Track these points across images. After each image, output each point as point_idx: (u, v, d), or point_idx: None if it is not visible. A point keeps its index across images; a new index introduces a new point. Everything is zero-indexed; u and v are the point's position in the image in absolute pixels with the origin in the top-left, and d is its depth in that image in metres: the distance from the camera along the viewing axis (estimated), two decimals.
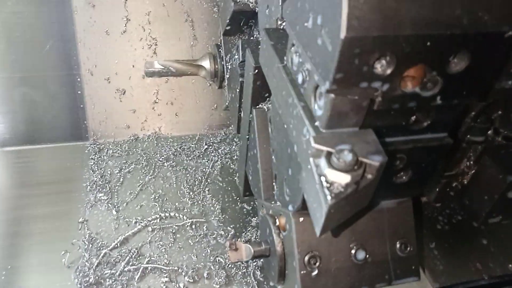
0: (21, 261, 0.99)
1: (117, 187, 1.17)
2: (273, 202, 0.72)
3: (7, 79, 1.23)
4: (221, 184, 1.22)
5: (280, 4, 0.65)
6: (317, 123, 0.47)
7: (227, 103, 1.08)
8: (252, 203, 1.17)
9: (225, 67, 1.06)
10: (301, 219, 0.58)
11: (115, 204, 1.12)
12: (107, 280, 0.94)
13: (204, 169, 1.25)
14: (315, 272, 0.58)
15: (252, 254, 0.67)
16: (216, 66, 1.09)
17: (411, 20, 0.39)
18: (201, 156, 1.30)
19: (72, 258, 0.98)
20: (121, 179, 1.19)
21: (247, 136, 0.83)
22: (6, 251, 1.01)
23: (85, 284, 0.93)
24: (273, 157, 0.71)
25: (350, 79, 0.42)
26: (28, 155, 1.25)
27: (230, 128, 1.42)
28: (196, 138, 1.37)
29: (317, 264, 0.58)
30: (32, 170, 1.22)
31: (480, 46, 0.42)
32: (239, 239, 1.06)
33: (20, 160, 1.24)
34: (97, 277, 0.94)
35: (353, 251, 0.59)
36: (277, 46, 0.61)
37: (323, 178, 0.40)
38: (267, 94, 0.76)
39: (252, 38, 0.96)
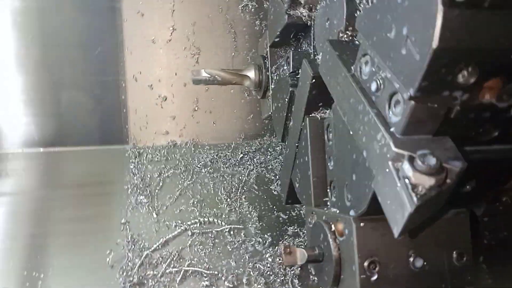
0: (66, 260, 1.02)
1: (157, 190, 1.20)
2: (325, 208, 0.73)
3: (55, 83, 1.28)
4: (257, 193, 1.24)
5: (344, 17, 0.68)
6: (392, 129, 0.49)
7: (270, 113, 1.11)
8: (288, 212, 1.19)
9: (270, 77, 1.09)
10: (362, 224, 0.60)
11: (156, 207, 1.15)
12: (150, 280, 0.96)
13: (240, 177, 1.28)
14: (374, 277, 0.59)
15: (306, 258, 0.68)
16: (261, 77, 1.12)
17: (497, 35, 0.41)
18: (237, 164, 1.33)
19: (116, 258, 1.00)
20: (161, 183, 1.22)
21: (296, 144, 0.85)
22: (49, 249, 1.04)
23: (129, 284, 0.95)
24: (329, 164, 0.72)
25: (434, 88, 0.44)
26: (69, 157, 1.29)
27: (265, 138, 1.44)
28: (232, 146, 1.39)
29: (376, 269, 0.59)
30: (73, 172, 1.25)
31: None
32: (276, 247, 1.07)
33: (62, 162, 1.28)
34: (140, 277, 0.96)
35: (411, 259, 0.60)
36: (342, 56, 0.64)
37: (407, 181, 0.42)
38: (320, 104, 0.79)
39: (300, 49, 0.99)
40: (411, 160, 0.43)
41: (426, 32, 0.41)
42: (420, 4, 0.42)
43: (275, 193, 1.25)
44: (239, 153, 1.37)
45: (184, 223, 1.10)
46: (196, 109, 1.38)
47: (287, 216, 1.17)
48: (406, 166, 0.43)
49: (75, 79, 1.29)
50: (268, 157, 1.37)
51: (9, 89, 1.24)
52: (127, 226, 1.09)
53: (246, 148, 1.40)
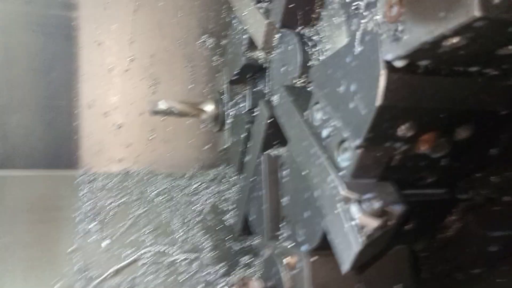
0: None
1: (108, 218, 1.18)
2: (278, 242, 0.77)
3: (7, 106, 1.24)
4: (211, 223, 1.26)
5: (298, 65, 0.74)
6: (341, 173, 0.54)
7: (225, 146, 1.14)
8: (240, 243, 1.21)
9: (226, 112, 1.13)
10: (313, 259, 0.64)
11: (106, 235, 1.13)
12: None
13: (194, 207, 1.29)
14: None
15: None
16: (218, 111, 1.16)
17: (431, 96, 0.48)
18: (191, 194, 1.34)
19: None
20: (113, 211, 1.21)
21: (251, 179, 0.89)
22: None
23: None
24: (282, 200, 0.77)
25: (378, 139, 0.50)
26: (16, 180, 1.25)
27: (220, 168, 1.47)
28: (187, 175, 1.41)
29: None
30: (19, 196, 1.21)
31: (480, 120, 0.52)
32: (229, 278, 1.09)
33: (8, 185, 1.23)
34: None
35: None
36: (297, 101, 0.70)
37: (354, 222, 0.47)
38: (276, 142, 0.83)
39: (256, 88, 1.04)
40: (358, 203, 0.48)
41: (371, 91, 0.47)
42: (366, 66, 0.48)
43: (229, 223, 1.27)
44: (194, 183, 1.38)
45: (136, 252, 1.09)
46: (151, 138, 1.39)
47: (239, 248, 1.19)
48: (353, 209, 0.48)
49: (26, 102, 1.26)
50: (223, 187, 1.39)
51: None
52: (76, 255, 1.06)
53: (201, 177, 1.42)
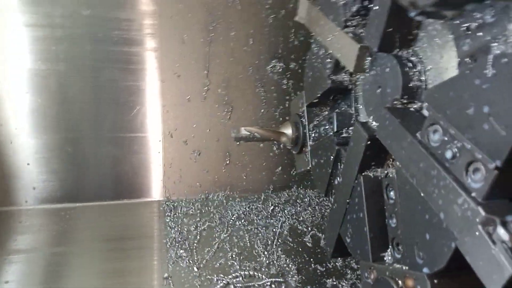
0: None
1: (195, 244, 1.22)
2: (387, 264, 0.77)
3: (95, 139, 1.32)
4: (292, 245, 1.27)
5: (400, 87, 0.75)
6: (473, 194, 0.54)
7: (307, 168, 1.16)
8: (324, 264, 1.21)
9: (307, 134, 1.15)
10: (436, 281, 0.64)
11: (196, 261, 1.16)
12: None
13: (274, 229, 1.31)
14: None
15: None
16: (298, 134, 1.18)
17: None
18: (269, 216, 1.36)
19: None
20: (198, 237, 1.24)
21: (347, 201, 0.90)
22: None
23: None
24: (391, 221, 0.77)
25: None
26: (107, 211, 1.32)
27: (293, 189, 1.49)
28: (262, 198, 1.44)
29: None
30: (111, 225, 1.28)
31: None
32: None
33: (101, 216, 1.30)
34: None
35: None
36: (403, 123, 0.70)
37: (505, 245, 0.47)
38: (373, 163, 0.84)
39: (340, 110, 1.06)
40: (504, 224, 0.48)
41: (508, 112, 0.47)
42: (503, 89, 0.48)
43: (309, 245, 1.28)
44: (270, 205, 1.41)
45: (226, 277, 1.12)
46: (227, 162, 1.43)
47: (324, 269, 1.19)
48: (501, 231, 0.48)
49: (112, 134, 1.34)
50: (298, 208, 1.41)
51: (26, 146, 1.29)
52: (170, 281, 1.10)
53: (276, 199, 1.44)
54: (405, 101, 0.75)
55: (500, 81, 0.49)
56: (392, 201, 0.77)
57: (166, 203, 1.35)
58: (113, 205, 1.36)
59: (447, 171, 0.59)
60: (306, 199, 1.47)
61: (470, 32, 0.61)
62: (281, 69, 1.44)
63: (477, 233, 0.51)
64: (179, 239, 1.23)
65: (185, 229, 1.27)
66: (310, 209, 1.42)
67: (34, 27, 1.26)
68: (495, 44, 0.51)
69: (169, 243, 1.21)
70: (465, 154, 0.56)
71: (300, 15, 1.14)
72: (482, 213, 0.51)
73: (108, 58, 1.31)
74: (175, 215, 1.32)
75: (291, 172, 1.49)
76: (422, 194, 0.64)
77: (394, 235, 0.76)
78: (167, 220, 1.30)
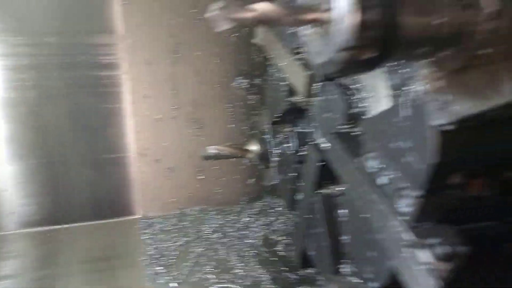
0: None
1: (173, 260, 1.27)
2: (344, 276, 0.83)
3: (70, 162, 1.36)
4: (266, 255, 1.33)
5: (342, 114, 0.81)
6: (404, 218, 0.61)
7: (273, 182, 1.22)
8: (298, 272, 1.27)
9: (272, 150, 1.20)
10: None
11: (175, 277, 1.21)
12: None
13: (248, 240, 1.36)
14: None
15: None
16: (263, 150, 1.24)
17: (480, 148, 0.54)
18: (243, 227, 1.42)
19: None
20: (175, 252, 1.29)
21: (308, 216, 0.96)
22: None
23: None
24: (344, 237, 0.83)
25: (434, 189, 0.56)
26: (87, 232, 1.36)
27: (266, 199, 1.55)
28: (236, 210, 1.49)
29: None
30: (91, 246, 1.32)
31: None
32: None
33: (81, 237, 1.34)
34: None
35: None
36: (347, 148, 0.77)
37: (426, 266, 0.53)
38: (327, 181, 0.90)
39: (299, 128, 1.11)
40: (429, 247, 0.54)
41: (423, 150, 0.54)
42: (415, 128, 0.55)
43: (283, 253, 1.34)
44: (245, 216, 1.47)
45: None
46: (201, 177, 1.48)
47: (298, 277, 1.25)
48: (423, 254, 0.54)
49: (85, 158, 1.38)
50: (271, 218, 1.47)
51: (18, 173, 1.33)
52: None
53: (250, 211, 1.50)
54: (349, 126, 0.81)
55: (413, 121, 0.55)
56: (343, 219, 0.83)
57: (143, 220, 1.40)
58: (92, 226, 1.40)
59: (382, 196, 0.65)
60: (279, 209, 1.53)
61: (397, 68, 0.67)
62: (247, 85, 1.49)
63: (405, 254, 0.57)
64: (157, 255, 1.28)
65: (163, 245, 1.32)
66: (282, 218, 1.48)
67: (1, 57, 1.29)
68: (413, 84, 0.57)
69: (147, 260, 1.26)
70: (396, 181, 0.62)
71: (259, 37, 1.20)
72: (409, 236, 0.57)
73: (76, 83, 1.35)
74: (152, 232, 1.36)
75: (264, 183, 1.55)
76: (363, 216, 0.71)
77: (348, 250, 0.82)
78: (144, 237, 1.34)
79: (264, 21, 0.40)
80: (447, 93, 0.49)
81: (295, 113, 1.10)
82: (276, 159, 1.19)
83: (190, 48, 1.42)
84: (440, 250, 0.53)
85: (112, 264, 1.27)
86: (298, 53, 0.96)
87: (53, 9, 1.32)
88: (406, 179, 0.59)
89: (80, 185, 1.39)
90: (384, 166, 0.65)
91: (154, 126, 1.42)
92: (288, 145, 1.12)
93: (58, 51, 1.31)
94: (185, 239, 1.35)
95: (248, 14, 0.39)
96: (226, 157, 1.25)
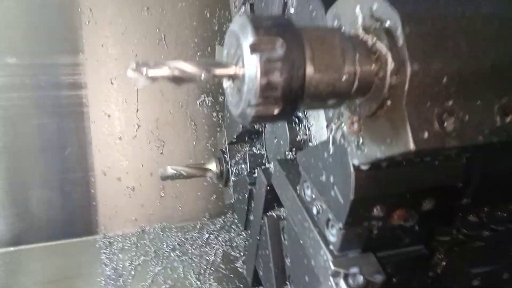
0: None
1: (129, 280, 1.28)
2: None
3: (24, 183, 1.36)
4: (224, 272, 1.35)
5: (288, 141, 0.85)
6: (331, 247, 0.64)
7: (232, 201, 1.25)
8: None
9: (230, 169, 1.23)
10: None
11: None
12: None
13: (207, 257, 1.38)
14: None
15: None
16: (222, 169, 1.26)
17: (396, 183, 0.58)
18: (203, 244, 1.44)
19: None
20: (133, 272, 1.30)
21: (257, 237, 0.99)
22: None
23: None
24: (286, 260, 0.86)
25: (356, 221, 0.60)
26: (47, 252, 1.35)
27: (228, 215, 1.58)
28: (198, 226, 1.51)
29: None
30: (50, 267, 1.31)
31: (441, 193, 0.62)
32: None
33: (35, 258, 1.33)
34: None
35: None
36: (289, 176, 0.80)
37: None
38: (276, 204, 0.94)
39: (254, 150, 1.15)
40: (345, 277, 0.58)
41: (345, 185, 0.57)
42: (339, 164, 0.59)
43: (241, 270, 1.37)
44: (205, 233, 1.48)
45: None
46: (162, 195, 1.50)
47: None
48: (342, 284, 0.57)
49: (44, 178, 1.37)
50: (232, 234, 1.49)
51: None
52: None
53: (211, 227, 1.52)
54: (293, 154, 0.85)
55: (338, 157, 0.59)
56: (286, 243, 0.86)
57: (102, 240, 1.40)
58: (52, 246, 1.39)
59: (315, 225, 0.69)
60: (240, 224, 1.55)
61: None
62: (210, 103, 1.52)
63: (329, 283, 0.61)
64: (113, 276, 1.28)
65: (120, 265, 1.32)
66: (243, 234, 1.51)
67: None
68: (335, 126, 0.61)
69: (103, 281, 1.26)
70: (325, 212, 0.66)
71: (217, 58, 1.23)
72: (332, 266, 0.61)
73: (36, 104, 1.35)
74: (110, 252, 1.37)
75: (224, 201, 1.57)
76: (301, 241, 0.74)
77: (289, 272, 0.85)
78: (102, 257, 1.34)
79: (180, 78, 0.42)
80: (360, 136, 0.53)
81: (252, 134, 1.13)
82: (234, 178, 1.22)
83: None
84: (356, 279, 0.57)
85: (71, 285, 1.27)
86: None
87: (14, 29, 1.32)
88: (331, 211, 0.63)
89: (40, 205, 1.38)
90: (315, 196, 0.69)
91: (114, 145, 1.43)
92: (242, 166, 1.16)
93: (17, 72, 1.31)
94: (143, 258, 1.36)
95: (164, 72, 0.42)
96: (185, 177, 1.27)
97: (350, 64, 0.45)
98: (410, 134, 0.44)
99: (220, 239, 1.47)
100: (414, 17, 0.45)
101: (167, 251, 1.39)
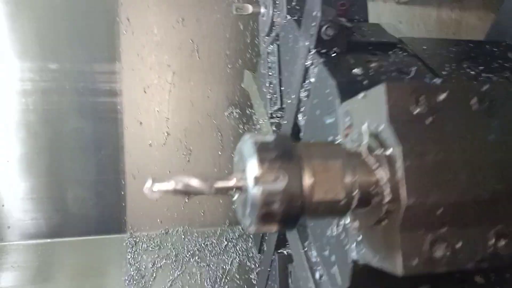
0: None
1: (150, 282, 1.38)
2: None
3: (62, 181, 1.46)
4: (238, 282, 1.42)
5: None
6: None
7: None
8: None
9: None
10: None
11: None
12: None
13: (224, 266, 1.46)
14: None
15: None
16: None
17: (392, 278, 0.61)
18: (221, 252, 1.51)
19: None
20: (154, 274, 1.40)
21: (268, 269, 1.04)
22: None
23: None
24: None
25: None
26: (72, 247, 1.47)
27: None
28: (218, 233, 1.58)
29: None
30: (75, 261, 1.43)
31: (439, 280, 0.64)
32: None
33: (66, 252, 1.45)
34: None
35: None
36: (299, 228, 0.84)
37: None
38: (288, 243, 0.98)
39: None
40: None
41: (344, 271, 0.61)
42: (341, 249, 0.62)
43: (254, 282, 1.44)
44: (224, 240, 1.56)
45: None
46: (186, 201, 1.57)
47: None
48: None
49: (80, 177, 1.47)
50: (250, 243, 1.56)
51: (18, 190, 1.43)
52: None
53: (230, 234, 1.59)
54: None
55: (340, 242, 0.62)
56: (293, 286, 0.91)
57: (129, 239, 1.50)
58: (84, 241, 1.50)
59: (317, 286, 0.73)
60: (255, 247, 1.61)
61: None
62: (237, 115, 1.56)
63: None
64: (137, 276, 1.38)
65: (143, 266, 1.42)
66: None
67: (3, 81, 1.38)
68: (337, 223, 0.64)
69: (127, 281, 1.37)
70: (326, 282, 0.70)
71: (245, 83, 1.26)
72: None
73: (73, 108, 1.43)
74: (135, 252, 1.47)
75: None
76: None
77: None
78: (128, 256, 1.45)
79: (185, 192, 0.47)
80: (360, 235, 0.56)
81: None
82: None
83: (185, 78, 1.49)
84: None
85: (97, 282, 1.38)
86: (274, 117, 1.02)
87: (56, 36, 1.39)
88: (331, 286, 0.66)
89: (75, 203, 1.49)
90: (319, 261, 0.72)
91: (144, 151, 1.50)
92: None
93: (58, 77, 1.39)
94: (165, 261, 1.45)
95: (170, 187, 0.46)
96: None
97: (350, 189, 0.48)
98: (401, 260, 0.47)
99: (238, 248, 1.53)
100: (416, 150, 0.47)
101: (187, 256, 1.47)
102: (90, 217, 1.49)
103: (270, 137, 0.48)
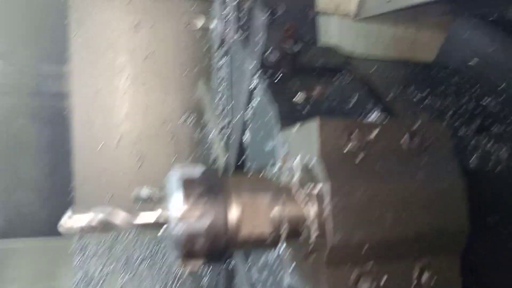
0: None
1: (98, 286, 1.34)
2: None
3: (10, 183, 1.40)
4: (191, 285, 1.41)
5: None
6: None
7: None
8: None
9: None
10: None
11: None
12: None
13: (175, 271, 1.44)
14: None
15: None
16: None
17: None
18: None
19: None
20: (103, 278, 1.37)
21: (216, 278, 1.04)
22: None
23: None
24: None
25: None
26: (21, 248, 1.42)
27: None
28: None
29: None
30: (24, 263, 1.38)
31: None
32: None
33: (14, 253, 1.40)
34: None
35: None
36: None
37: None
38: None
39: None
40: None
41: None
42: (277, 274, 0.62)
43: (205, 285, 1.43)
44: None
45: None
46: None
47: None
48: None
49: (29, 179, 1.42)
50: None
51: None
52: None
53: None
54: None
55: (276, 267, 0.62)
56: None
57: (77, 242, 1.46)
58: (34, 242, 1.45)
59: None
60: None
61: None
62: (193, 122, 1.54)
63: None
64: (84, 281, 1.35)
65: (92, 270, 1.39)
66: None
67: None
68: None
69: (74, 285, 1.33)
70: None
71: (199, 94, 1.24)
72: None
73: (22, 110, 1.37)
74: (84, 255, 1.43)
75: None
76: None
77: None
78: (75, 260, 1.40)
79: (104, 228, 0.45)
80: (293, 264, 0.56)
81: None
82: None
83: (141, 82, 1.46)
84: None
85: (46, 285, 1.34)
86: (223, 133, 1.02)
87: (5, 37, 1.33)
88: None
89: (27, 205, 1.43)
90: (258, 280, 0.73)
91: (95, 153, 1.46)
92: None
93: (9, 78, 1.32)
94: (115, 264, 1.42)
95: (90, 224, 0.45)
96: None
97: (278, 224, 0.48)
98: None
99: None
100: (344, 187, 0.47)
101: (137, 260, 1.45)
102: (39, 219, 1.44)
103: (198, 170, 0.47)
